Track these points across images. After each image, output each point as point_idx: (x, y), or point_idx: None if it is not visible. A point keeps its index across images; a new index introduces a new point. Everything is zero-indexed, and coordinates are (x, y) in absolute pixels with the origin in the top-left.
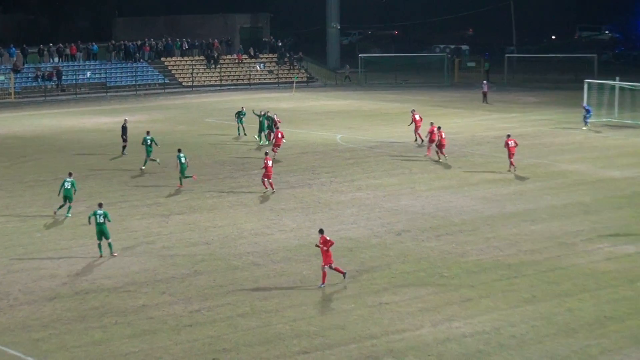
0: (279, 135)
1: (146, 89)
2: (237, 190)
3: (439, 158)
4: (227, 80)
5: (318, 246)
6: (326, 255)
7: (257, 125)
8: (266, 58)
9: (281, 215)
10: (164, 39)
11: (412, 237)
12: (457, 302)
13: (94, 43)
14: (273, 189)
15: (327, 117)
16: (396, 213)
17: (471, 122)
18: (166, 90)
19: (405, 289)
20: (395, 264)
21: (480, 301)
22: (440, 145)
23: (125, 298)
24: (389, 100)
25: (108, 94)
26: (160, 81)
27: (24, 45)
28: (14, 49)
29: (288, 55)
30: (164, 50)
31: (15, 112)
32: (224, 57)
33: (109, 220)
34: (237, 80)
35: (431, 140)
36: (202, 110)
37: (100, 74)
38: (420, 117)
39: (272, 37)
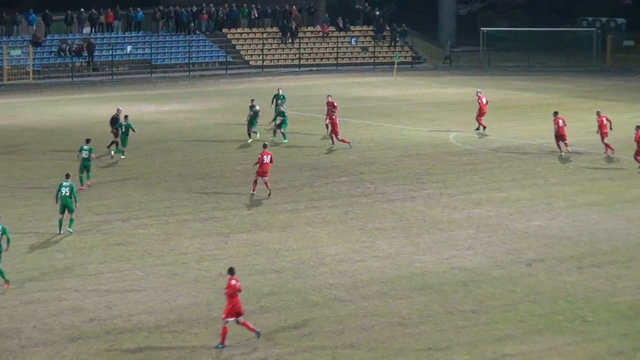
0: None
1: (202, 69)
2: (318, 202)
3: (561, 151)
4: (307, 59)
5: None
6: (231, 303)
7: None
8: (359, 31)
9: (375, 237)
10: (226, 5)
11: (547, 268)
12: (605, 355)
13: (137, 9)
14: (269, 189)
15: (437, 109)
16: (526, 237)
17: (627, 118)
18: (228, 72)
19: (537, 337)
20: (524, 303)
21: (636, 356)
22: (559, 137)
23: (170, 340)
24: (519, 89)
25: (153, 74)
26: (220, 59)
27: (47, 11)
28: (33, 15)
29: (388, 28)
30: (226, 19)
31: (34, 96)
32: (305, 29)
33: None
34: (321, 59)
35: (603, 134)
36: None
37: (144, 49)
38: (486, 101)
39: (367, 4)
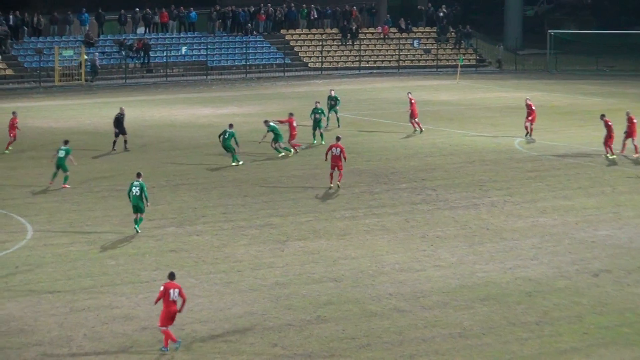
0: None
1: (260, 71)
2: (378, 210)
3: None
4: (368, 61)
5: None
6: (167, 311)
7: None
8: (422, 33)
9: (436, 245)
10: (285, 5)
11: (614, 279)
12: None
13: (191, 9)
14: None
15: (501, 114)
16: (593, 247)
17: None
18: (286, 74)
19: (603, 350)
20: (590, 315)
21: None
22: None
23: (225, 351)
24: (587, 94)
25: (209, 76)
26: (279, 61)
27: (100, 10)
28: (86, 15)
29: (452, 29)
30: (285, 19)
31: (87, 97)
32: (365, 30)
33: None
34: (382, 61)
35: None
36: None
37: (199, 50)
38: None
39: (430, 5)
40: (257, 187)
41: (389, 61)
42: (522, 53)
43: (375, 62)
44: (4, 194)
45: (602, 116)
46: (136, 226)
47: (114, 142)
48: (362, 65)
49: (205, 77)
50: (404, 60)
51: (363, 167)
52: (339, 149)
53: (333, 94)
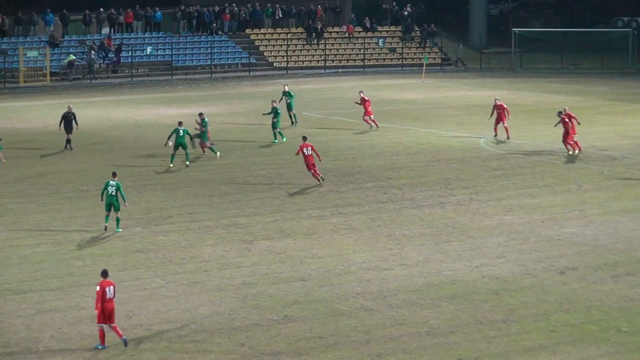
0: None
1: (225, 71)
2: (344, 209)
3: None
4: (333, 60)
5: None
6: (104, 308)
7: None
8: (387, 32)
9: (403, 244)
10: (249, 5)
11: (580, 277)
12: None
13: (156, 8)
14: (319, 178)
15: (467, 112)
16: (559, 244)
17: None
18: (252, 73)
19: (569, 348)
20: (557, 313)
21: None
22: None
23: (192, 350)
24: (552, 92)
25: (174, 76)
26: (244, 61)
27: (64, 11)
28: (51, 15)
29: (417, 28)
30: (249, 19)
31: (51, 98)
32: (330, 29)
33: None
34: (347, 61)
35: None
36: (300, 100)
37: (164, 50)
38: (506, 108)
39: (395, 4)
40: (223, 187)
41: (354, 60)
42: (487, 51)
43: (340, 61)
44: None
45: (560, 113)
46: (117, 228)
47: (67, 140)
48: (327, 64)
49: (170, 77)
50: (369, 60)
51: (329, 167)
52: (309, 147)
53: (287, 89)
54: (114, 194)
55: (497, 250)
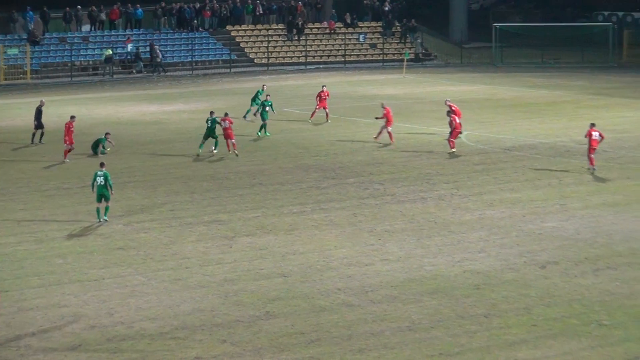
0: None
1: (206, 68)
2: (326, 204)
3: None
4: (314, 56)
5: None
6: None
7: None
8: (368, 27)
9: (384, 240)
10: (230, 1)
11: (561, 271)
12: None
13: (137, 6)
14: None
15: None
16: (540, 239)
17: None
18: (233, 70)
19: (551, 341)
20: (538, 307)
21: None
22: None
23: (173, 347)
24: (532, 86)
25: (155, 73)
26: (224, 57)
27: (45, 8)
28: (31, 13)
29: (398, 24)
30: (230, 16)
31: (32, 96)
32: (311, 25)
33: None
34: (328, 56)
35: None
36: (281, 96)
37: (145, 47)
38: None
39: (376, 0)
40: (204, 184)
41: (335, 56)
42: (468, 46)
43: (321, 57)
44: None
45: (448, 113)
46: (104, 216)
47: (33, 134)
48: (308, 60)
49: (152, 74)
50: (350, 55)
51: (310, 163)
52: (226, 121)
53: (265, 88)
54: (103, 183)
55: (478, 244)
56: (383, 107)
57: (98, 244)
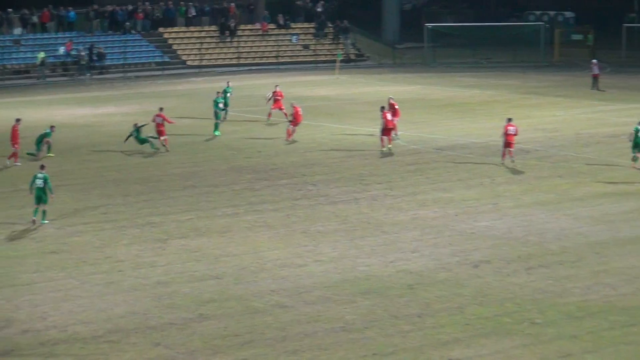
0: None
1: (138, 70)
2: (259, 206)
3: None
4: (247, 58)
5: None
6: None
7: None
8: (300, 28)
9: (318, 240)
10: (162, 3)
11: (494, 270)
12: (554, 358)
13: (69, 8)
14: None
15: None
16: (473, 238)
17: (576, 115)
18: (165, 72)
19: (484, 340)
20: (471, 306)
21: (585, 357)
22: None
23: (107, 351)
24: (465, 86)
25: (88, 76)
26: (157, 60)
27: None
28: None
29: (330, 24)
30: (163, 18)
31: None
32: (244, 27)
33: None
34: (261, 58)
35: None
36: (214, 99)
37: (77, 50)
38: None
39: (308, 0)
40: (137, 187)
41: (268, 57)
42: (401, 47)
43: (254, 58)
44: None
45: (382, 108)
46: (42, 220)
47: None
48: (240, 62)
49: (84, 76)
50: (283, 56)
51: (243, 164)
52: (160, 117)
53: (230, 84)
54: (42, 186)
55: (411, 244)
56: (292, 107)
57: (31, 247)
